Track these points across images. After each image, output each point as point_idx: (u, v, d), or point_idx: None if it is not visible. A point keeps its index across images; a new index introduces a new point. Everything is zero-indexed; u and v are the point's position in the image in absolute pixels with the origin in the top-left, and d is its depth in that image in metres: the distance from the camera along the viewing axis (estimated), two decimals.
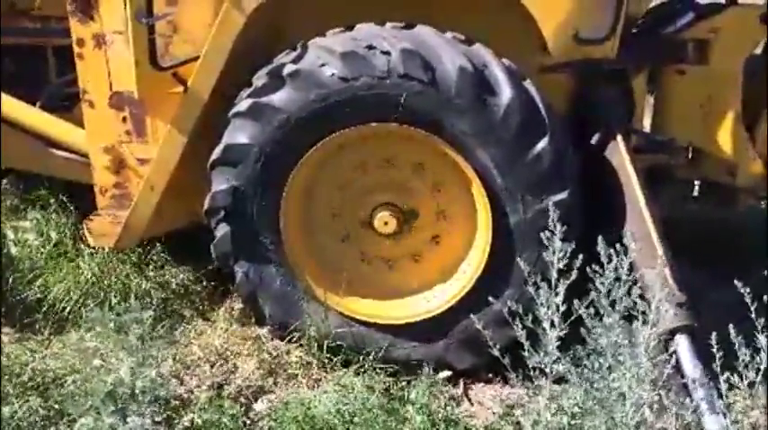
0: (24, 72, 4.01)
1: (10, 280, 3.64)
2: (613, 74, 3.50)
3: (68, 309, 3.53)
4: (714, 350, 2.10)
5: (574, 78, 3.46)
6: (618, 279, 2.16)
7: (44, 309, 3.53)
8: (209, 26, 3.16)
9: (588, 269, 2.22)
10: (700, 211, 4.00)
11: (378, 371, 3.17)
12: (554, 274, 2.23)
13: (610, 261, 2.16)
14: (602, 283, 2.15)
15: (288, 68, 2.99)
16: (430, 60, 2.90)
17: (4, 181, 4.21)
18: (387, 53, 2.91)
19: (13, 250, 3.85)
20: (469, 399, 3.21)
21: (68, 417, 2.74)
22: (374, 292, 3.30)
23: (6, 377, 2.90)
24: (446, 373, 3.23)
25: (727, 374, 2.11)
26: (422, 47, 2.93)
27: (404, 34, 3.02)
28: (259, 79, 3.09)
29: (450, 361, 3.23)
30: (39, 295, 3.59)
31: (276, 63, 3.08)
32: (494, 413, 3.02)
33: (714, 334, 2.12)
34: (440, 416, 2.93)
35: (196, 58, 3.19)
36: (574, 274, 2.20)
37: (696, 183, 4.05)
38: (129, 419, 2.53)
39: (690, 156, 3.96)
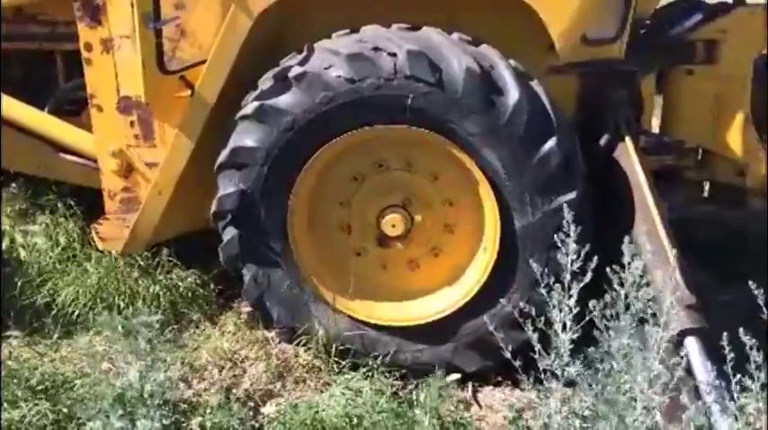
0: (32, 76, 4.03)
1: (18, 284, 3.66)
2: (621, 75, 3.48)
3: (77, 312, 3.54)
4: (726, 352, 2.07)
5: (582, 79, 3.45)
6: (632, 281, 2.13)
7: (53, 312, 3.55)
8: (215, 30, 3.16)
9: (606, 270, 2.19)
10: (709, 213, 3.98)
11: (386, 374, 3.16)
12: (567, 277, 2.20)
13: (631, 262, 2.13)
14: (621, 284, 2.12)
15: (294, 71, 2.99)
16: (436, 61, 2.89)
17: (13, 185, 4.23)
18: (393, 55, 2.90)
19: (22, 254, 3.87)
20: (478, 403, 3.20)
21: (77, 421, 2.75)
22: (382, 295, 3.29)
23: (15, 381, 2.90)
24: (455, 376, 3.22)
25: (738, 376, 2.08)
26: (428, 48, 2.92)
27: (410, 35, 3.02)
28: (265, 82, 3.09)
29: (459, 364, 3.21)
30: (47, 299, 3.61)
31: (282, 66, 3.09)
32: (503, 417, 3.01)
33: (725, 335, 2.09)
34: (449, 419, 2.92)
35: (203, 62, 3.19)
36: (588, 277, 2.18)
37: (706, 184, 4.03)
38: (138, 423, 2.53)
39: (699, 157, 3.95)
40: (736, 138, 3.72)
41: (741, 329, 2.05)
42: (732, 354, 2.07)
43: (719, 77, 3.69)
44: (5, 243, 3.92)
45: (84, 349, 3.25)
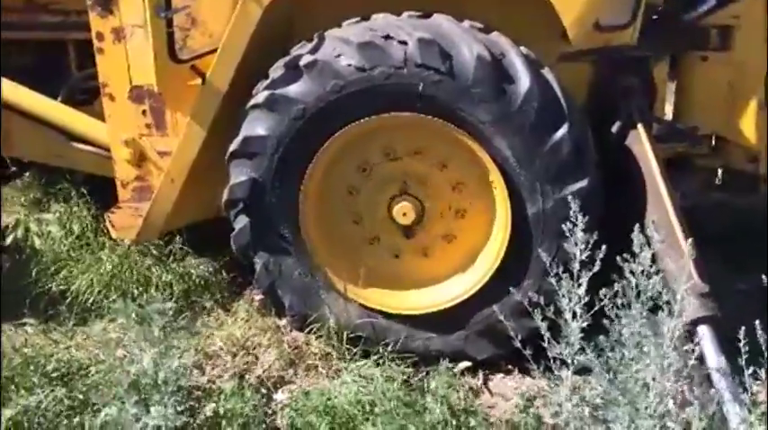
0: (45, 66, 4.05)
1: (34, 272, 3.71)
2: (634, 61, 3.45)
3: (91, 300, 3.58)
4: (741, 344, 2.07)
5: (594, 66, 3.42)
6: (642, 270, 2.13)
7: (68, 300, 3.59)
8: (226, 19, 3.16)
9: (617, 259, 2.19)
10: (722, 200, 3.95)
11: (397, 361, 3.17)
12: (576, 265, 2.20)
13: (641, 251, 2.12)
14: (632, 273, 2.11)
15: (304, 59, 2.99)
16: (447, 49, 2.87)
17: (27, 174, 4.27)
18: (403, 43, 2.89)
19: (37, 242, 3.91)
20: (489, 391, 3.21)
21: (93, 407, 2.78)
22: (393, 283, 3.30)
23: (32, 368, 2.94)
24: (465, 364, 3.23)
25: (753, 368, 2.07)
26: (439, 36, 2.91)
27: (421, 23, 3.00)
28: (276, 71, 3.09)
29: (470, 351, 3.22)
30: (62, 287, 3.65)
31: (292, 54, 3.08)
32: (514, 405, 3.01)
33: (742, 327, 2.08)
34: (459, 407, 2.92)
35: (214, 51, 3.20)
36: (597, 265, 2.18)
37: (719, 171, 4.00)
38: (152, 409, 2.56)
39: (712, 144, 3.91)
40: (749, 124, 3.68)
41: (757, 322, 2.04)
42: (746, 347, 2.06)
43: (733, 64, 3.65)
44: (20, 231, 3.97)
45: (99, 336, 3.29)
